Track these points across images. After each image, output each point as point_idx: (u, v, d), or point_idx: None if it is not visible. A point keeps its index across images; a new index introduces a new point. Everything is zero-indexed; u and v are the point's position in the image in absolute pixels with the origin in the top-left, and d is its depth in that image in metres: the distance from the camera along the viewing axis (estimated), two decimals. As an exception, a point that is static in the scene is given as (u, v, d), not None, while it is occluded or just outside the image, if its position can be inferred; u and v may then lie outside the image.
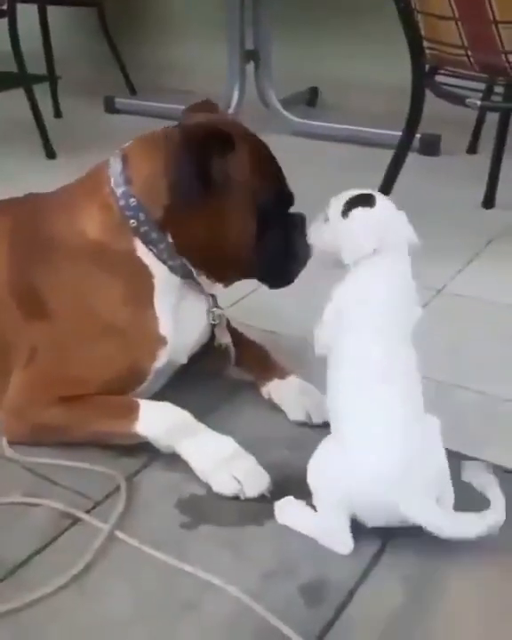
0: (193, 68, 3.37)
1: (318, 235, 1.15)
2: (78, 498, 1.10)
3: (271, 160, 1.21)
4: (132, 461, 1.16)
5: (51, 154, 2.68)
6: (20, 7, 2.67)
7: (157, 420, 1.14)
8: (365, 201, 1.09)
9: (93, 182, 1.20)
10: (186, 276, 1.20)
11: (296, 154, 2.65)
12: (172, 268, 1.18)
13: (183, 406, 1.15)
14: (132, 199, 1.15)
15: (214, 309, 1.26)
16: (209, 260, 1.20)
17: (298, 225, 1.22)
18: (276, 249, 1.22)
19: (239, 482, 1.09)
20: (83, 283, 1.18)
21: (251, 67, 2.94)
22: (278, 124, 2.88)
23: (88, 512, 1.08)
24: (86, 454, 1.16)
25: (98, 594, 0.96)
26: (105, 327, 1.17)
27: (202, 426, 1.14)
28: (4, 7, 2.63)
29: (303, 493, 1.10)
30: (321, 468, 1.01)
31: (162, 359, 1.20)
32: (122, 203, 1.15)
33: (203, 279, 1.23)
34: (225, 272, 1.24)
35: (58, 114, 3.22)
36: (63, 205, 1.21)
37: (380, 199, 1.10)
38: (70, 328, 1.17)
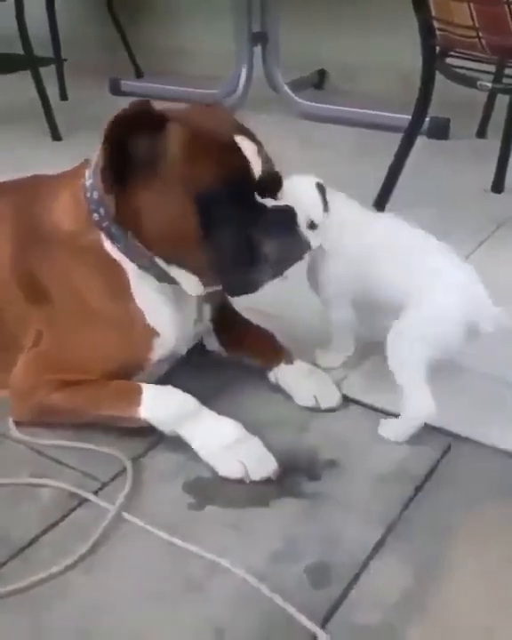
0: (200, 50, 3.34)
1: (316, 238, 1.17)
2: (85, 479, 1.11)
3: (221, 143, 1.05)
4: (138, 443, 1.16)
5: (57, 136, 2.67)
6: (26, -11, 2.65)
7: (160, 405, 1.14)
8: (322, 187, 1.20)
9: (77, 171, 1.18)
10: (160, 276, 1.14)
11: (303, 137, 2.64)
12: (141, 267, 1.14)
13: (188, 390, 1.15)
14: (95, 192, 1.12)
15: (207, 323, 1.22)
16: (167, 256, 1.11)
17: (276, 221, 1.08)
18: (229, 248, 1.07)
19: (245, 465, 1.09)
20: (67, 271, 1.16)
21: (258, 49, 2.91)
22: (286, 107, 2.86)
23: (95, 493, 1.08)
24: (93, 436, 1.17)
25: (104, 574, 0.96)
26: (95, 315, 1.16)
27: (206, 410, 1.14)
28: (11, -12, 2.61)
29: (310, 474, 1.11)
30: (406, 336, 1.13)
31: (158, 350, 1.19)
32: (88, 195, 1.13)
33: (181, 278, 1.14)
34: (189, 271, 1.13)
35: (64, 96, 3.21)
36: (50, 191, 1.20)
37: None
38: (66, 313, 1.17)
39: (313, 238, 1.17)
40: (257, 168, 1.07)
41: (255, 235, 1.07)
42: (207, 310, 1.25)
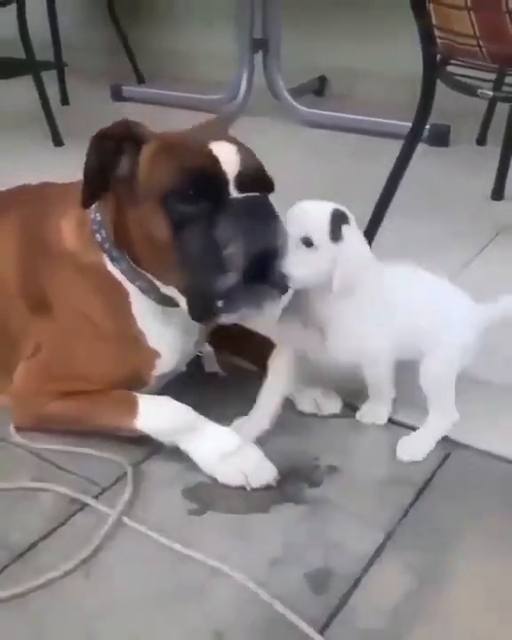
0: (201, 56, 3.35)
1: (307, 264, 1.05)
2: (86, 484, 1.11)
3: (186, 147, 1.05)
4: (139, 448, 1.16)
5: (58, 141, 2.67)
6: (28, -7, 2.66)
7: (157, 416, 1.14)
8: (343, 218, 1.08)
9: None
10: (160, 300, 1.14)
11: (304, 144, 2.65)
12: (142, 289, 1.14)
13: (186, 398, 1.15)
14: (98, 214, 1.13)
15: (206, 345, 1.21)
16: (157, 274, 1.11)
17: (242, 210, 1.02)
18: (195, 248, 1.02)
19: (244, 473, 1.09)
20: (71, 289, 1.16)
21: (259, 56, 2.92)
22: (287, 114, 2.86)
23: (95, 498, 1.08)
24: (94, 441, 1.17)
25: (104, 579, 0.96)
26: (98, 334, 1.16)
27: (203, 419, 1.14)
28: (13, -7, 2.62)
29: (311, 480, 1.11)
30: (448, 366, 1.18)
31: (159, 369, 1.19)
32: (92, 216, 1.14)
33: (178, 298, 1.11)
34: (178, 289, 1.10)
35: (65, 101, 3.22)
36: (59, 205, 1.20)
37: (346, 211, 1.10)
38: (68, 329, 1.17)
39: (304, 262, 1.05)
40: (230, 166, 1.04)
41: (219, 230, 1.01)
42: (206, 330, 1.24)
